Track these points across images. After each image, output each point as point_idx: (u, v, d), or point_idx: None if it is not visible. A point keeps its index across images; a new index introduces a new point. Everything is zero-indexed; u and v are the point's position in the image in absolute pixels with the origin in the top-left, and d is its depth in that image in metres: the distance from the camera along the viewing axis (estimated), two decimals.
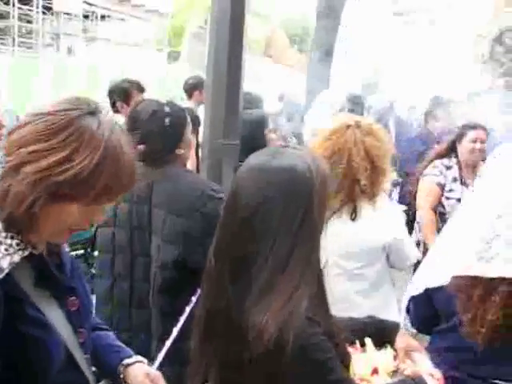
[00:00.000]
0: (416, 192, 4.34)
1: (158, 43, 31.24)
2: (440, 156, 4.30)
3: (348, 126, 2.47)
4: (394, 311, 2.61)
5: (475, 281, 1.74)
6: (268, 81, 32.78)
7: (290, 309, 1.28)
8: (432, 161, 4.30)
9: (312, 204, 1.34)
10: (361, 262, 2.53)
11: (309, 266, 1.34)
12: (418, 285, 2.01)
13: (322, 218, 1.38)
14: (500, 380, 1.72)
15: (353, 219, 2.46)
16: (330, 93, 4.65)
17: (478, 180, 1.95)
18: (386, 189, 2.66)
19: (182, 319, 1.93)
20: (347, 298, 2.49)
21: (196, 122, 4.12)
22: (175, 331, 1.97)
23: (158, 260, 2.34)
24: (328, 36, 9.58)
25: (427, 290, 1.95)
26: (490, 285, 1.71)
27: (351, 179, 2.40)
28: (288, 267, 1.30)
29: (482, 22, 12.71)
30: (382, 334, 1.83)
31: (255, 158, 1.40)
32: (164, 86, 15.21)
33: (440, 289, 1.90)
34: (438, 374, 1.67)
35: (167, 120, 2.37)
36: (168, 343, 1.93)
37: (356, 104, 7.67)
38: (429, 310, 2.02)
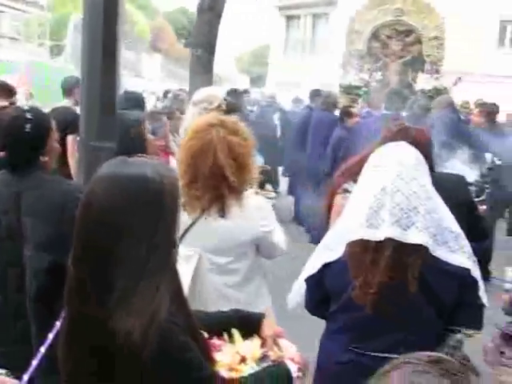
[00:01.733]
0: None
1: (41, 37, 29.89)
2: None
3: (212, 125, 2.53)
4: (266, 302, 2.75)
5: (366, 247, 2.00)
6: (154, 77, 32.47)
7: (152, 311, 1.34)
8: None
9: (163, 209, 1.40)
10: (231, 257, 2.61)
11: (167, 268, 1.41)
12: (315, 263, 2.20)
13: (174, 221, 1.45)
14: (389, 353, 1.85)
15: (222, 216, 2.53)
16: (207, 90, 4.68)
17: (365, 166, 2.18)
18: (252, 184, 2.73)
19: (58, 326, 1.93)
20: (220, 292, 2.59)
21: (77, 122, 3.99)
22: (49, 338, 1.97)
23: (31, 269, 2.32)
24: (209, 31, 9.54)
25: (321, 271, 2.15)
26: (378, 249, 1.98)
27: (218, 177, 2.47)
28: (146, 271, 1.36)
29: (361, 18, 13.28)
30: (248, 324, 1.94)
31: (107, 166, 1.44)
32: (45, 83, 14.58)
33: (332, 265, 2.12)
34: (298, 358, 1.82)
35: (28, 126, 2.34)
36: (41, 351, 1.93)
37: (237, 98, 7.83)
38: (320, 293, 2.21)
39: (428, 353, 0.88)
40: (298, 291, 2.33)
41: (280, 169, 10.36)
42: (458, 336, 1.95)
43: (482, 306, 2.16)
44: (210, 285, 2.56)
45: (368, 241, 1.99)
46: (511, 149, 6.06)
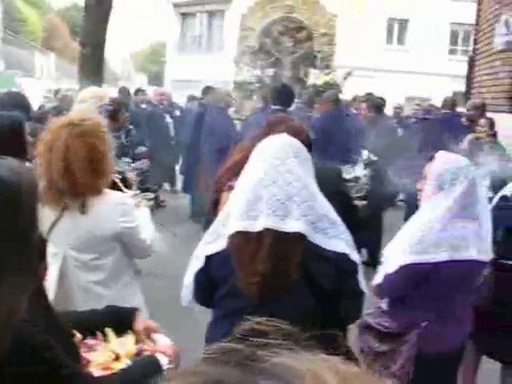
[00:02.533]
0: None
1: None
2: None
3: (64, 126, 2.55)
4: (138, 299, 2.79)
5: (247, 238, 2.05)
6: (48, 76, 31.29)
7: (7, 312, 1.32)
8: None
9: (21, 209, 1.38)
10: (96, 254, 2.65)
11: (25, 268, 1.38)
12: (199, 256, 2.23)
13: (34, 220, 1.43)
14: None
15: (82, 213, 2.56)
16: (92, 89, 4.61)
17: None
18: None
19: None
20: (88, 290, 2.62)
21: None
22: None
23: None
24: (97, 28, 9.31)
25: (207, 263, 2.19)
26: (259, 240, 2.03)
27: (71, 176, 2.50)
28: (3, 271, 1.33)
29: (253, 15, 13.45)
30: (121, 321, 1.94)
31: None
32: None
33: (216, 256, 2.17)
34: (170, 350, 1.85)
35: None
36: None
37: (127, 97, 7.73)
38: (207, 284, 2.24)
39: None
40: (188, 286, 2.35)
41: (177, 167, 10.34)
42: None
43: (361, 293, 2.25)
44: (76, 282, 2.59)
45: (249, 232, 2.04)
46: (388, 145, 6.37)
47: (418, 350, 2.78)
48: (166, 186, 10.69)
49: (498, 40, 9.99)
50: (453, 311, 2.87)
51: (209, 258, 2.20)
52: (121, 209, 2.67)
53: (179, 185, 10.16)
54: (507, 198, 3.45)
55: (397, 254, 2.80)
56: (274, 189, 2.03)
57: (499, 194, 3.50)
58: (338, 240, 2.13)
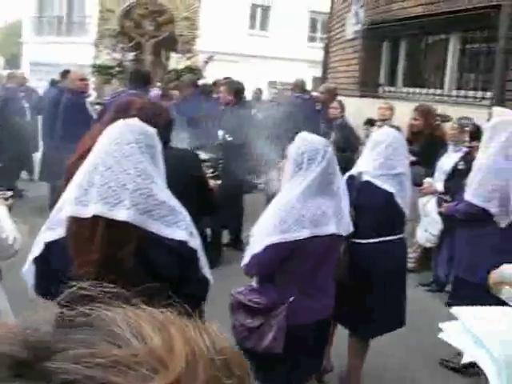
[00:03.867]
0: None
1: None
2: None
3: None
4: (2, 303, 2.70)
5: (81, 225, 2.00)
6: None
7: None
8: None
9: None
10: None
11: None
12: (39, 244, 2.16)
13: None
14: None
15: None
16: None
17: None
18: None
19: None
20: None
21: None
22: None
23: None
24: None
25: (46, 251, 2.13)
26: (92, 227, 1.98)
27: None
28: None
29: None
30: None
31: None
32: None
33: (55, 244, 2.10)
34: None
35: None
36: None
37: None
38: (48, 273, 2.12)
39: None
40: (28, 275, 2.25)
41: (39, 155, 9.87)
42: None
43: (203, 279, 2.27)
44: None
45: (83, 219, 1.99)
46: (246, 128, 6.56)
47: (288, 323, 2.92)
48: (24, 174, 10.16)
49: (348, 29, 10.58)
50: (317, 285, 3.05)
51: (48, 247, 2.13)
52: None
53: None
54: (354, 176, 3.71)
55: (262, 234, 2.91)
56: (108, 175, 1.99)
57: (347, 174, 3.74)
58: (177, 227, 2.10)
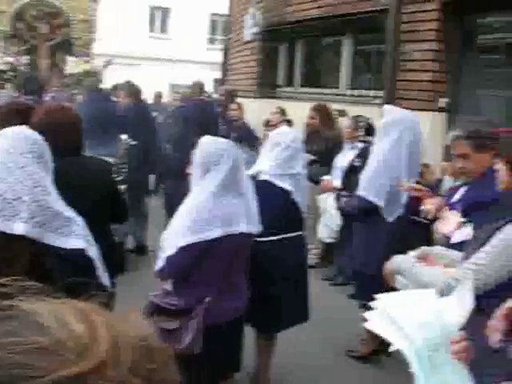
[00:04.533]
0: None
1: None
2: None
3: None
4: None
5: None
6: None
7: None
8: None
9: None
10: None
11: None
12: None
13: None
14: None
15: None
16: None
17: None
18: None
19: None
20: None
21: None
22: None
23: None
24: None
25: None
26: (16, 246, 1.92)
27: None
28: None
29: None
30: None
31: None
32: None
33: None
34: None
35: None
36: None
37: None
38: None
39: None
40: None
41: None
42: None
43: (101, 286, 2.22)
44: None
45: None
46: (147, 132, 6.52)
47: (206, 323, 2.94)
48: None
49: (246, 31, 10.72)
50: (231, 283, 3.10)
51: None
52: None
53: None
54: (252, 176, 3.77)
55: (175, 236, 2.92)
56: (3, 187, 1.91)
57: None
58: (74, 237, 2.09)
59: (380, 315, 1.48)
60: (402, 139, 4.09)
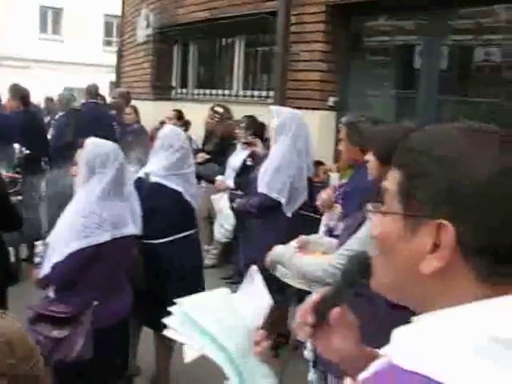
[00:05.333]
0: None
1: None
2: None
3: None
4: None
5: None
6: None
7: None
8: None
9: None
10: None
11: None
12: None
13: None
14: None
15: None
16: None
17: None
18: None
19: None
20: None
21: None
22: None
23: None
24: None
25: None
26: None
27: None
28: None
29: None
30: None
31: None
32: None
33: None
34: None
35: None
36: None
37: None
38: None
39: None
40: None
41: None
42: None
43: None
44: None
45: None
46: (38, 137, 6.31)
47: (94, 327, 2.90)
48: None
49: (139, 33, 10.61)
50: (117, 285, 3.09)
51: None
52: None
53: None
54: (141, 179, 3.76)
55: (62, 242, 2.86)
56: None
57: (136, 176, 3.79)
58: None
59: (183, 320, 1.38)
60: (296, 136, 4.27)
